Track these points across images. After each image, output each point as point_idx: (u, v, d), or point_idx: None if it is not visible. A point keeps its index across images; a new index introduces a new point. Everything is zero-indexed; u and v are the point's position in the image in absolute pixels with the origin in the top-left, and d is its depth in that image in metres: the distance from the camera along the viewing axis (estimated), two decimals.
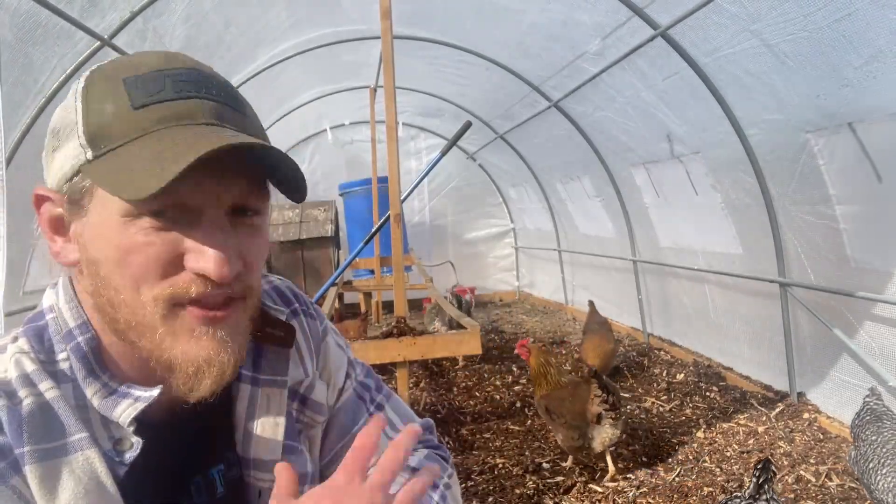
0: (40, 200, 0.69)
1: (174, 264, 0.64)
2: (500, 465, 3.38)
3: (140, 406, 0.67)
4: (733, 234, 4.16)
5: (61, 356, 0.68)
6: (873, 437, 2.36)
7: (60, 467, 0.63)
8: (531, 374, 3.42)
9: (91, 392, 0.67)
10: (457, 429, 3.88)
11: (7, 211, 2.16)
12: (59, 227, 0.69)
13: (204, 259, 0.64)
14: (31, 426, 0.63)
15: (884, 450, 2.30)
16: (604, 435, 3.03)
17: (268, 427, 0.81)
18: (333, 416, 0.94)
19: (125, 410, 0.67)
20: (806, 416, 3.63)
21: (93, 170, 0.63)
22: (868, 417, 2.47)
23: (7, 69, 2.76)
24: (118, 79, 0.65)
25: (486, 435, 3.79)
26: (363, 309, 7.95)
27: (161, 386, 0.68)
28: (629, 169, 5.13)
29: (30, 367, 0.66)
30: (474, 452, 3.54)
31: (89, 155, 0.63)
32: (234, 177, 0.66)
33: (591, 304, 5.17)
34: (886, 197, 2.86)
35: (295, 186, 0.70)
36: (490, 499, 3.04)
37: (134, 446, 0.67)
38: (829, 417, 3.54)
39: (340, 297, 6.89)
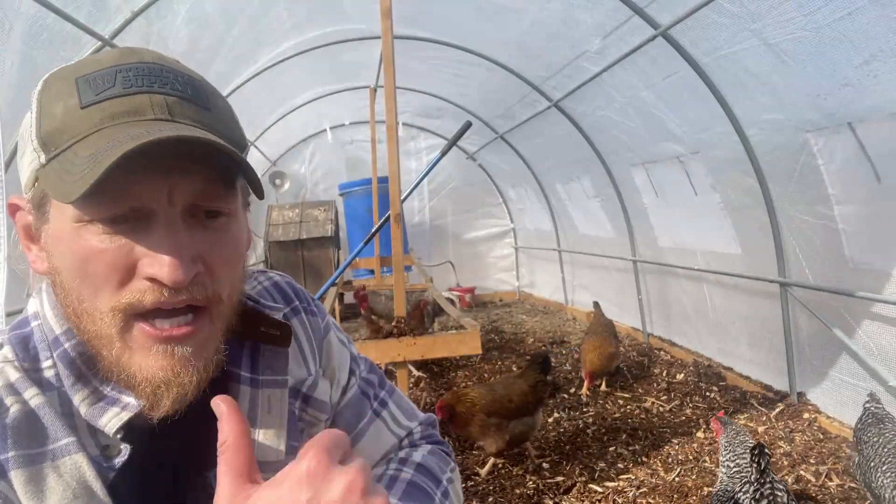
0: (14, 209, 0.68)
1: (129, 271, 0.61)
2: (501, 465, 3.38)
3: (126, 416, 0.65)
4: (733, 234, 4.16)
5: (46, 364, 0.66)
6: (875, 439, 2.38)
7: (47, 472, 0.62)
8: (460, 419, 3.16)
9: (79, 399, 0.65)
10: None
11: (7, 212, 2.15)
12: (31, 234, 0.67)
13: (157, 263, 0.60)
14: (14, 433, 0.61)
15: (885, 449, 2.31)
16: (538, 419, 3.23)
17: (270, 429, 0.80)
18: (338, 413, 0.93)
19: (111, 420, 0.65)
20: (806, 416, 3.63)
21: (44, 174, 0.61)
22: (870, 421, 2.48)
23: (10, 73, 2.77)
24: (72, 79, 0.63)
25: None
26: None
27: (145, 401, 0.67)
28: (629, 169, 5.13)
29: (14, 375, 0.64)
30: (474, 452, 3.54)
31: (42, 159, 0.61)
32: (187, 175, 0.62)
33: (597, 305, 5.12)
34: (886, 197, 2.86)
35: (254, 186, 0.67)
36: (490, 499, 3.04)
37: (122, 452, 0.66)
38: (829, 417, 3.54)
39: (341, 297, 6.89)
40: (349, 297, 8.01)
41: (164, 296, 0.61)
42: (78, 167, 0.57)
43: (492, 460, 3.33)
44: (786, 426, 3.56)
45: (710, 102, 3.65)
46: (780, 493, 2.09)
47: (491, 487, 3.14)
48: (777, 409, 3.76)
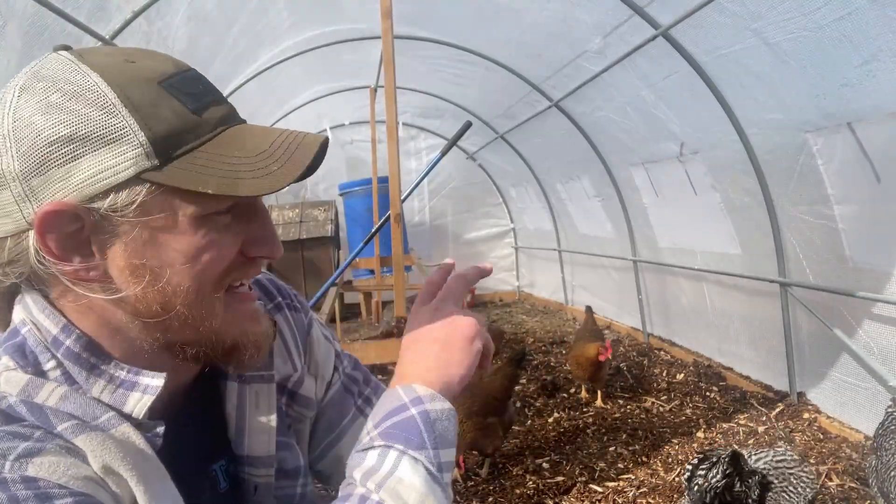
0: (53, 218, 0.60)
1: (238, 254, 0.68)
2: (501, 465, 3.38)
3: (149, 400, 0.66)
4: (733, 233, 4.16)
5: (49, 365, 0.65)
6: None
7: (100, 437, 0.62)
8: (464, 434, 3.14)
9: (98, 390, 0.65)
10: None
11: None
12: (74, 244, 0.62)
13: (268, 245, 0.70)
14: (54, 412, 0.61)
15: None
16: (512, 407, 3.47)
17: (259, 423, 0.81)
18: (321, 410, 0.94)
19: (136, 405, 0.66)
20: (806, 416, 3.63)
21: (168, 175, 0.61)
22: (893, 427, 2.38)
23: (8, 69, 2.77)
24: (153, 84, 0.62)
25: None
26: (363, 309, 7.96)
27: (166, 373, 0.67)
28: (629, 169, 5.13)
29: (23, 379, 0.63)
30: (474, 452, 3.54)
31: (154, 161, 0.60)
32: None
33: (589, 309, 4.96)
34: (886, 197, 2.86)
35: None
36: (490, 499, 3.04)
37: (156, 428, 0.67)
38: (829, 417, 3.54)
39: (341, 297, 6.89)
40: (349, 297, 8.01)
41: (260, 270, 0.74)
42: (246, 164, 0.63)
43: (488, 460, 3.33)
44: (786, 426, 3.56)
45: (709, 102, 3.65)
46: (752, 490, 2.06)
47: (491, 487, 3.14)
48: (777, 409, 3.76)
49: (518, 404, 4.29)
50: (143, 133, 0.60)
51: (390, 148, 3.21)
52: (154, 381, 0.67)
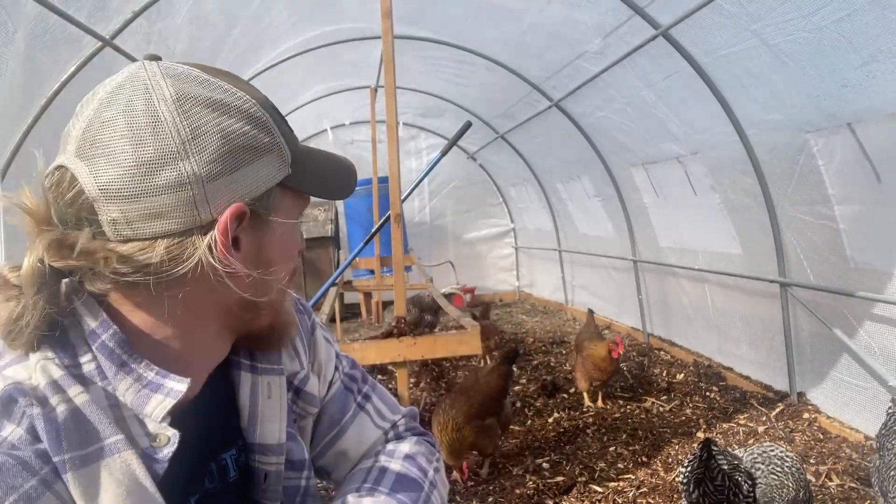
0: (240, 216, 0.69)
1: None
2: (501, 465, 3.38)
3: (170, 403, 0.68)
4: (733, 233, 4.16)
5: (85, 358, 0.68)
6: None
7: (100, 471, 0.63)
8: (452, 444, 3.08)
9: (123, 388, 0.68)
10: None
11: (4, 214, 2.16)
12: (237, 241, 0.71)
13: (303, 240, 0.84)
14: (67, 433, 0.63)
15: None
16: (508, 404, 3.41)
17: (271, 412, 0.85)
18: (323, 407, 0.98)
19: (156, 408, 0.68)
20: (806, 416, 3.64)
21: (297, 181, 0.75)
22: (895, 427, 2.38)
23: (14, 73, 2.78)
24: (267, 103, 0.75)
25: None
26: (363, 309, 7.97)
27: (190, 379, 0.71)
28: (629, 169, 5.13)
29: (57, 372, 0.65)
30: (474, 452, 3.54)
31: (289, 170, 0.74)
32: None
33: (590, 312, 4.92)
34: (886, 197, 2.86)
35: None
36: (490, 499, 3.04)
37: (171, 440, 0.69)
38: (829, 417, 3.54)
39: (341, 297, 6.89)
40: (349, 297, 8.01)
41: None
42: (331, 176, 0.82)
43: (489, 459, 3.33)
44: (786, 426, 3.56)
45: (710, 102, 3.65)
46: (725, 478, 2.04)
47: (491, 487, 3.15)
48: (777, 409, 3.76)
49: (518, 404, 4.29)
50: (286, 146, 0.74)
51: (390, 148, 3.21)
52: (178, 386, 0.69)
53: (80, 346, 0.68)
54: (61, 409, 0.63)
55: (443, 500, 0.94)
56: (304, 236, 7.49)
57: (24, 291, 0.64)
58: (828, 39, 2.72)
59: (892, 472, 2.25)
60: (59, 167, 0.67)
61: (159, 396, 0.68)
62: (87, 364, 0.68)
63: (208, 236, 0.68)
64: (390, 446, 0.98)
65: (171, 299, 0.69)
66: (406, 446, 0.97)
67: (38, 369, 0.65)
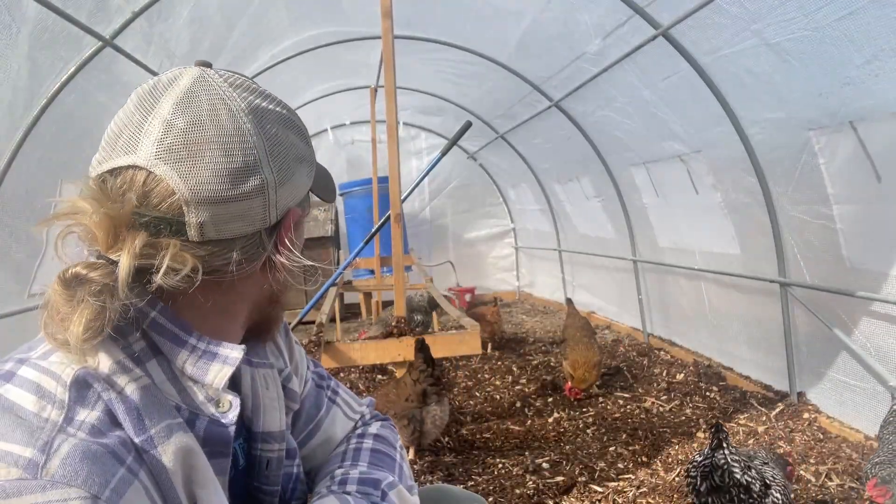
0: (293, 219, 0.81)
1: None
2: (500, 465, 3.38)
3: (229, 370, 0.72)
4: (733, 233, 4.16)
5: (134, 337, 0.70)
6: (890, 437, 2.35)
7: (183, 441, 0.67)
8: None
9: (182, 360, 0.71)
10: (456, 429, 3.88)
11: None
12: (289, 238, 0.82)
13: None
14: (146, 410, 0.65)
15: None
16: (432, 414, 3.16)
17: (271, 402, 0.89)
18: (301, 403, 1.04)
19: (216, 376, 0.72)
20: (806, 416, 3.63)
21: (315, 186, 0.85)
22: (892, 419, 2.44)
23: (18, 75, 2.78)
24: (289, 118, 0.85)
25: (486, 435, 3.79)
26: (363, 309, 7.96)
27: (244, 346, 0.76)
28: (629, 169, 5.13)
29: (119, 354, 0.68)
30: (474, 452, 3.54)
31: (313, 177, 0.85)
32: None
33: (570, 302, 4.86)
34: (886, 197, 2.86)
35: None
36: (490, 499, 3.04)
37: (233, 405, 0.73)
38: (829, 417, 3.54)
39: (341, 297, 6.89)
40: (349, 297, 8.01)
41: None
42: (325, 182, 0.91)
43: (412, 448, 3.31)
44: (786, 426, 3.56)
45: (710, 102, 3.65)
46: (735, 466, 2.11)
47: (491, 487, 3.14)
48: (777, 409, 3.76)
49: (518, 404, 4.29)
50: (314, 156, 0.85)
51: (390, 148, 3.21)
52: (234, 353, 0.74)
53: (128, 328, 0.70)
54: (131, 390, 0.66)
55: (410, 472, 1.04)
56: (305, 236, 7.50)
57: (116, 292, 0.66)
58: (829, 38, 2.72)
59: (877, 460, 2.31)
60: (129, 167, 0.69)
61: (217, 365, 0.72)
62: (137, 343, 0.70)
63: (273, 236, 0.78)
64: (360, 430, 1.10)
65: (227, 293, 0.76)
66: (374, 428, 1.10)
67: (103, 355, 0.67)
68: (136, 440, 0.63)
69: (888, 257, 2.96)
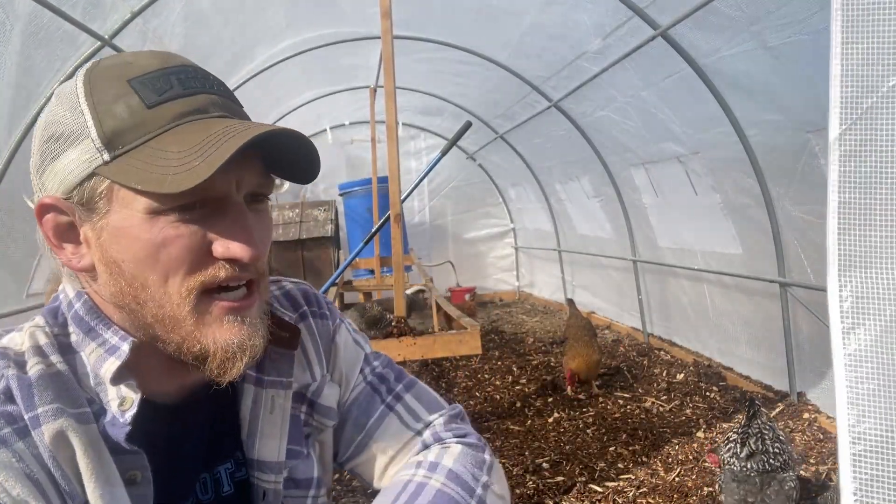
0: (44, 210, 0.68)
1: (203, 253, 0.66)
2: (500, 465, 3.37)
3: (117, 363, 0.68)
4: (733, 234, 4.16)
5: (71, 328, 0.71)
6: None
7: (68, 431, 0.65)
8: None
9: (89, 352, 0.70)
10: None
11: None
12: (66, 234, 0.69)
13: (234, 245, 0.66)
14: (40, 390, 0.65)
15: None
16: None
17: (272, 429, 0.82)
18: (346, 410, 0.92)
19: (109, 369, 0.68)
20: (806, 416, 3.63)
21: (113, 170, 0.64)
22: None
23: (10, 72, 2.77)
24: (123, 80, 0.65)
25: (486, 435, 3.79)
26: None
27: (134, 339, 0.69)
28: (629, 169, 5.13)
29: (42, 339, 0.69)
30: None
31: (106, 157, 0.64)
32: (251, 165, 0.69)
33: (571, 302, 4.93)
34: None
35: (308, 168, 0.74)
36: None
37: (133, 404, 0.68)
38: (829, 417, 3.54)
39: (341, 296, 6.88)
40: (349, 297, 8.01)
41: (235, 272, 0.68)
42: (176, 160, 0.61)
43: None
44: (786, 426, 3.56)
45: (709, 102, 3.65)
46: (766, 433, 2.39)
47: None
48: (777, 409, 3.76)
49: (518, 404, 4.29)
50: (95, 130, 0.64)
51: (390, 148, 3.21)
52: (124, 346, 0.69)
53: (63, 317, 0.73)
54: (35, 371, 0.66)
55: None
56: (305, 236, 7.50)
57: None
58: (827, 40, 2.71)
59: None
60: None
61: (112, 359, 0.68)
62: (73, 334, 0.71)
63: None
64: (433, 457, 0.85)
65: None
66: (450, 460, 0.85)
67: (27, 335, 0.69)
68: (26, 416, 0.64)
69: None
